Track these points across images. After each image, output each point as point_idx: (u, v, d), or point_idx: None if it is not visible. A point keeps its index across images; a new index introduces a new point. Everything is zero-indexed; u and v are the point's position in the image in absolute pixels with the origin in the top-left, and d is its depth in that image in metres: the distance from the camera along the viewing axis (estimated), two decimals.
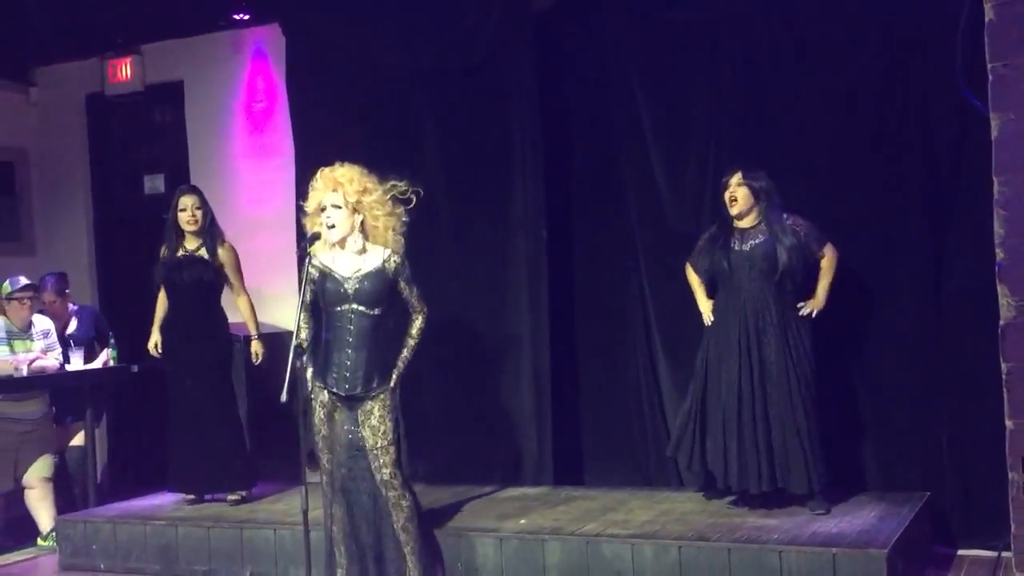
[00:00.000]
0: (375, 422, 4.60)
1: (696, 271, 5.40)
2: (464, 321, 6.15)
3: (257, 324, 6.15)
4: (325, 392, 4.67)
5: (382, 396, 4.62)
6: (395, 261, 4.64)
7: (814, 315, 5.14)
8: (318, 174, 4.67)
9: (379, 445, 4.59)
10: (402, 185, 4.68)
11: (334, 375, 4.63)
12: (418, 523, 4.69)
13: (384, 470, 4.60)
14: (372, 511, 4.66)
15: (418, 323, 4.74)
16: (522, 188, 6.14)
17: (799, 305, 5.13)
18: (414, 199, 4.69)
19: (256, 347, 6.12)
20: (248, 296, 6.14)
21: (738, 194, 5.15)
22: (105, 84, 7.75)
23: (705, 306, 5.35)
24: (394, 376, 4.67)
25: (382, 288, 4.62)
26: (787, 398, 5.02)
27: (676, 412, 5.92)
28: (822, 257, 5.17)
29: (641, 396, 6.09)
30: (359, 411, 4.63)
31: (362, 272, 4.63)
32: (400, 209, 4.69)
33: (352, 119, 6.54)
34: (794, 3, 5.58)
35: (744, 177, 5.14)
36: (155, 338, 6.22)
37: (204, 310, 6.04)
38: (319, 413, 4.69)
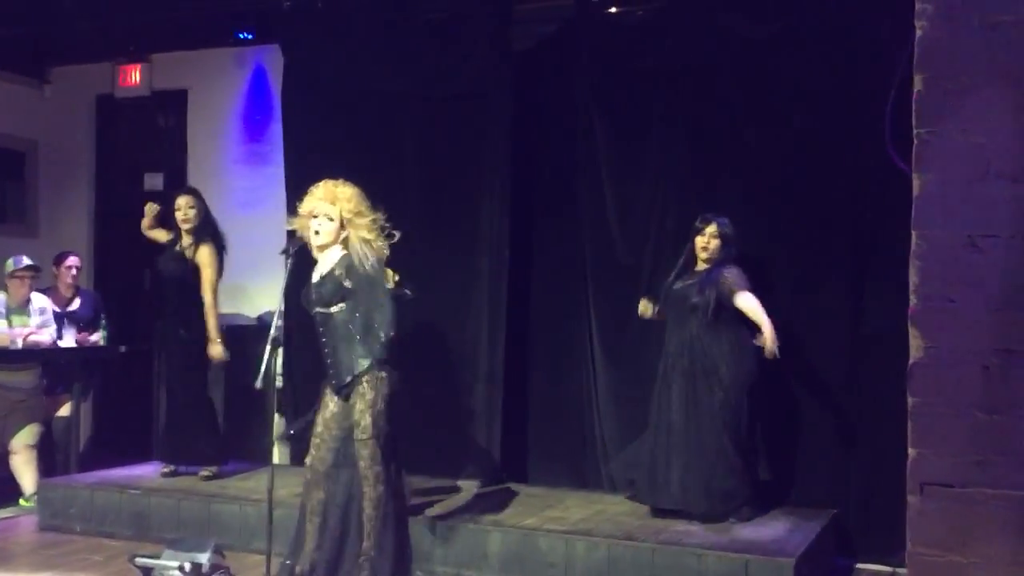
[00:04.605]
0: (357, 416, 4.48)
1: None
2: (428, 328, 6.13)
3: (215, 326, 5.85)
4: (327, 389, 4.60)
5: (363, 387, 4.47)
6: (344, 263, 4.48)
7: (771, 351, 4.95)
8: (321, 183, 4.57)
9: (359, 438, 4.47)
10: (383, 222, 4.55)
11: (327, 372, 4.57)
12: (384, 513, 4.52)
13: (361, 462, 4.49)
14: (345, 497, 4.54)
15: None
16: (489, 211, 6.14)
17: (759, 345, 4.98)
18: (395, 236, 4.59)
19: (212, 350, 5.87)
20: (212, 297, 5.86)
21: (712, 244, 5.16)
22: (115, 87, 7.67)
23: None
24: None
25: (335, 288, 4.49)
26: (707, 423, 5.04)
27: (613, 421, 5.96)
28: (736, 301, 5.03)
29: (582, 406, 6.09)
30: (349, 403, 4.53)
31: (321, 275, 4.57)
32: (383, 242, 4.58)
33: (339, 136, 6.50)
34: (743, 60, 5.64)
35: (719, 227, 5.15)
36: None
37: (181, 303, 5.97)
38: (320, 407, 4.61)
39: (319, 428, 4.60)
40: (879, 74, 4.88)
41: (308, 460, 4.63)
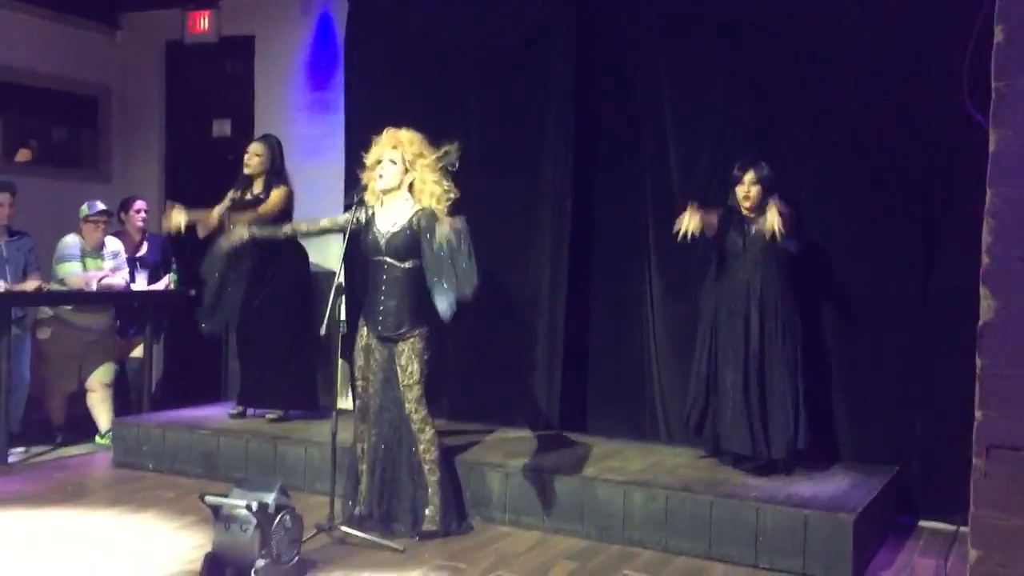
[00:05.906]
0: (404, 361, 4.64)
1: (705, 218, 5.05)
2: (491, 278, 6.13)
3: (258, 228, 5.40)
4: (365, 329, 4.70)
5: (411, 339, 4.63)
6: (423, 217, 4.54)
7: (778, 237, 4.92)
8: (384, 131, 4.65)
9: (406, 383, 4.63)
10: (452, 149, 4.61)
11: (373, 317, 4.67)
12: (438, 452, 4.73)
13: (409, 404, 4.64)
14: (393, 439, 4.70)
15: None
16: (552, 161, 6.10)
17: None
18: (458, 193, 4.62)
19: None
20: (290, 227, 5.44)
21: (752, 192, 5.08)
22: (184, 33, 7.75)
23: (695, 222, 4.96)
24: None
25: (410, 243, 4.58)
26: (781, 372, 5.00)
27: (671, 374, 5.94)
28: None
29: (642, 357, 6.08)
30: (393, 349, 4.66)
31: (396, 227, 4.62)
32: (448, 183, 4.62)
33: (401, 85, 6.50)
34: (814, 12, 5.48)
35: (756, 173, 5.07)
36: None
37: (265, 247, 6.02)
38: (359, 347, 4.73)
39: (364, 371, 4.71)
40: (956, 25, 4.68)
41: (357, 403, 4.76)
